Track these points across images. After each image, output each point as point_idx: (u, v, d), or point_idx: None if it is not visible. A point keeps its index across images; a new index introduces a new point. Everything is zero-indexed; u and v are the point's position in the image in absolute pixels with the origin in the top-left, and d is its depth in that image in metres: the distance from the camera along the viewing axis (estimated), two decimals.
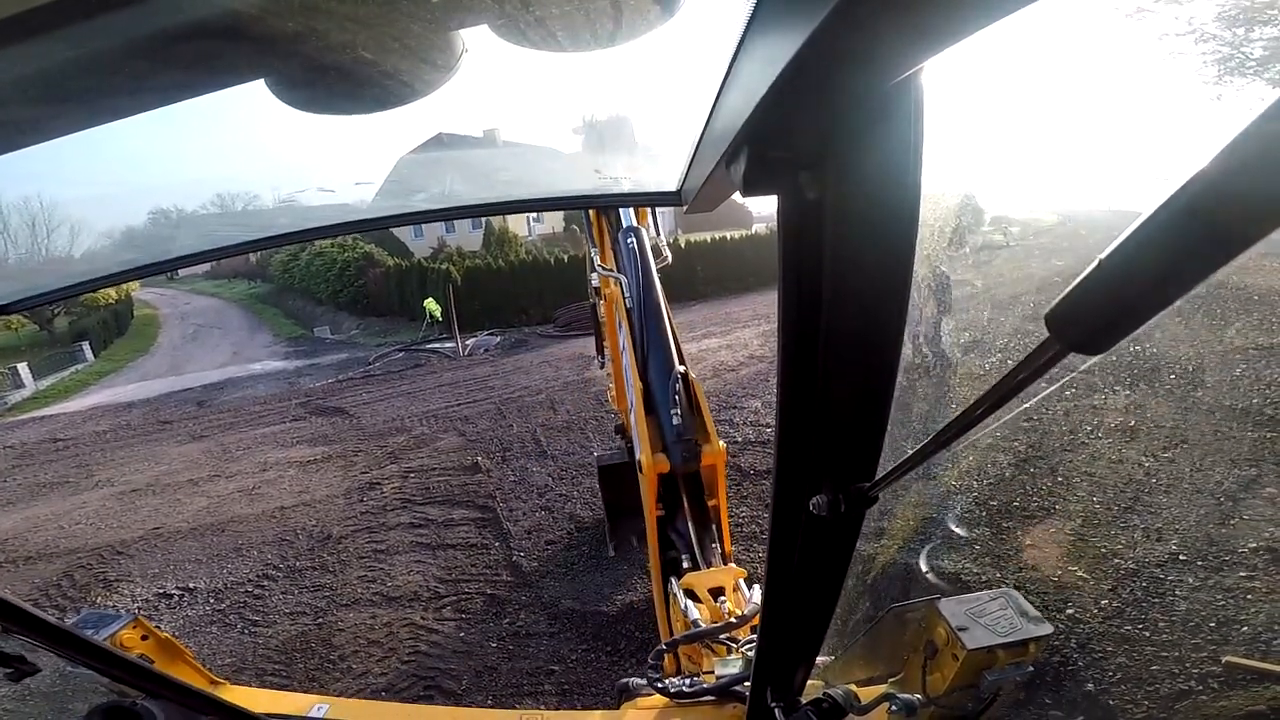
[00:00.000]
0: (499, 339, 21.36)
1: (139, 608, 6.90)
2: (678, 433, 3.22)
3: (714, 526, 3.28)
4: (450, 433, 11.12)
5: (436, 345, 21.69)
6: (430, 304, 24.13)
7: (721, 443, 3.28)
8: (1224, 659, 4.22)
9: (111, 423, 16.86)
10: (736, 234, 27.60)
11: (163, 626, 6.41)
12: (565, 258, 26.17)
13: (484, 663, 5.41)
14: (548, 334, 20.94)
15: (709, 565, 3.01)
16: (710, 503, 3.32)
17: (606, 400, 9.47)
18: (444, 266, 26.10)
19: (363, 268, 31.39)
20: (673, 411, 3.26)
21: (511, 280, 25.55)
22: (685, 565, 3.09)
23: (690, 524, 3.18)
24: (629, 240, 4.11)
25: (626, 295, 4.00)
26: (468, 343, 20.81)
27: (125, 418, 17.34)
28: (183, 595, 7.05)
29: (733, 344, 14.80)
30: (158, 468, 11.81)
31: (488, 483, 8.69)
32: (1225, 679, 4.16)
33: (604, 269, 4.67)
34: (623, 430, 6.37)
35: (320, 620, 6.28)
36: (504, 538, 7.23)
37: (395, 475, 9.42)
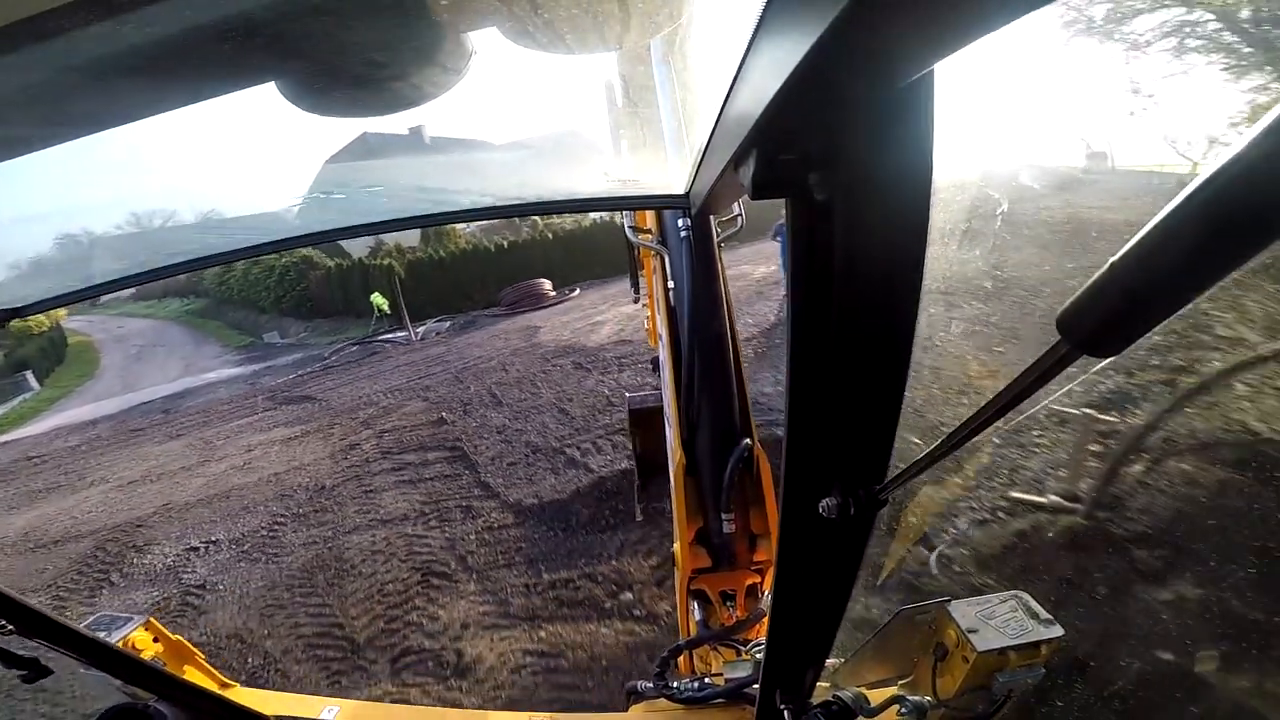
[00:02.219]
0: (449, 324, 22.60)
1: (173, 562, 8.17)
2: (728, 536, 2.59)
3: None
4: (415, 400, 12.53)
5: (388, 337, 22.73)
6: (377, 298, 25.04)
7: None
8: (1010, 494, 5.86)
9: (81, 438, 17.53)
10: None
11: (198, 571, 7.79)
12: (505, 244, 27.36)
13: (465, 550, 6.98)
14: (495, 314, 22.26)
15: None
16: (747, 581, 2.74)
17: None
18: (386, 263, 26.98)
19: (303, 272, 31.86)
20: (725, 517, 2.56)
21: (455, 269, 26.65)
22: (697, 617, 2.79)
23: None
24: (683, 230, 2.86)
25: (670, 285, 2.99)
26: (418, 330, 21.99)
27: (93, 432, 18.01)
28: (208, 547, 8.36)
29: None
30: (145, 464, 12.84)
31: (453, 432, 10.19)
32: (1011, 510, 5.86)
33: (637, 233, 3.45)
34: (658, 365, 4.98)
35: (330, 545, 7.71)
36: (473, 467, 8.77)
37: (371, 437, 10.83)
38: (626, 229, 3.59)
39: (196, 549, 8.36)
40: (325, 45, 0.97)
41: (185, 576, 7.73)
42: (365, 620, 6.25)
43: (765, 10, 0.55)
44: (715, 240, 2.91)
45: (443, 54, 1.09)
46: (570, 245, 26.89)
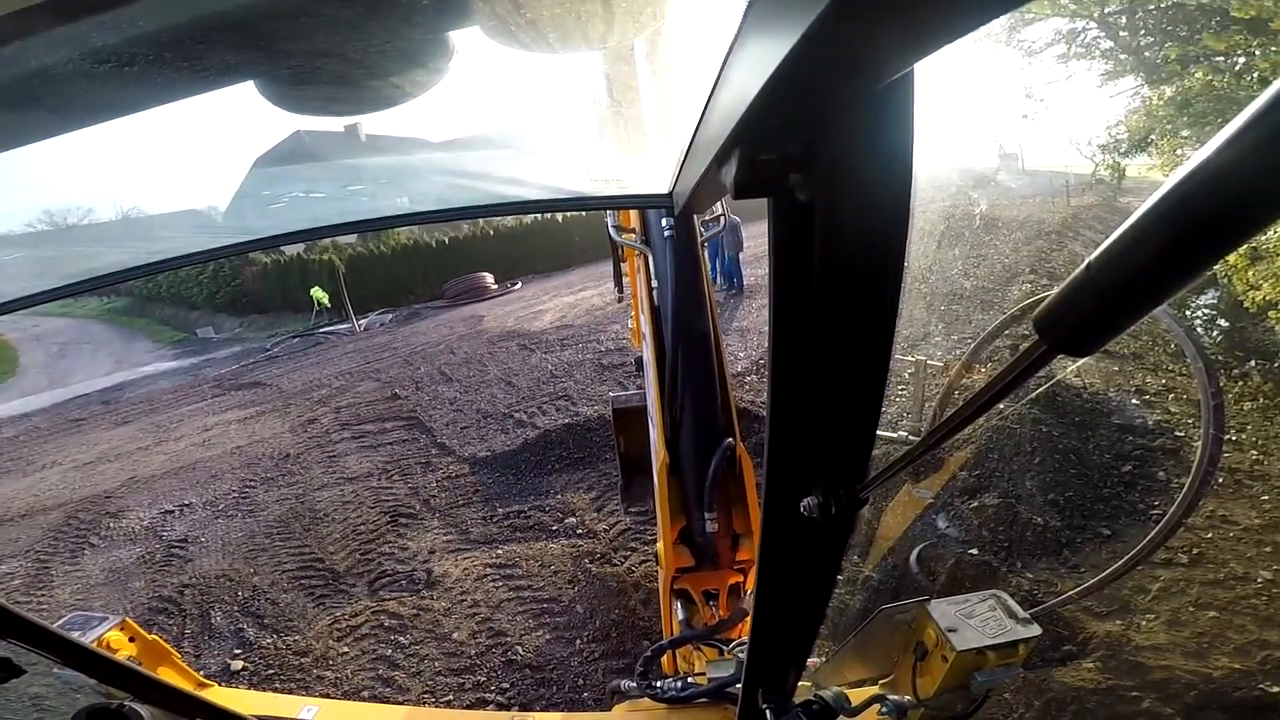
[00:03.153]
0: (392, 315, 23.18)
1: (150, 524, 8.81)
2: (711, 535, 2.64)
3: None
4: (367, 381, 13.34)
5: (331, 329, 23.12)
6: (317, 292, 25.24)
7: None
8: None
9: (16, 430, 17.34)
10: None
11: (177, 529, 8.52)
12: (445, 239, 28.00)
13: (427, 494, 8.03)
14: (438, 306, 22.98)
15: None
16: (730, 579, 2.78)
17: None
18: (326, 257, 27.19)
19: (238, 267, 31.57)
20: (709, 516, 2.61)
21: (395, 264, 27.12)
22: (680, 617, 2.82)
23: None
24: (666, 229, 2.94)
25: (655, 284, 3.09)
26: (361, 322, 22.51)
27: (28, 424, 17.80)
28: (182, 510, 9.05)
29: (603, 292, 17.44)
30: (98, 447, 13.16)
31: (408, 405, 11.12)
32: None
33: (620, 233, 3.54)
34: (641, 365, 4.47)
35: (302, 501, 8.57)
36: (429, 432, 9.78)
37: (328, 412, 11.63)
38: (610, 228, 3.66)
39: (171, 511, 9.06)
40: (305, 44, 0.97)
41: (165, 534, 8.44)
42: (342, 555, 7.21)
43: (748, 10, 0.56)
44: (699, 240, 3.00)
45: (425, 53, 1.09)
46: (511, 241, 27.74)
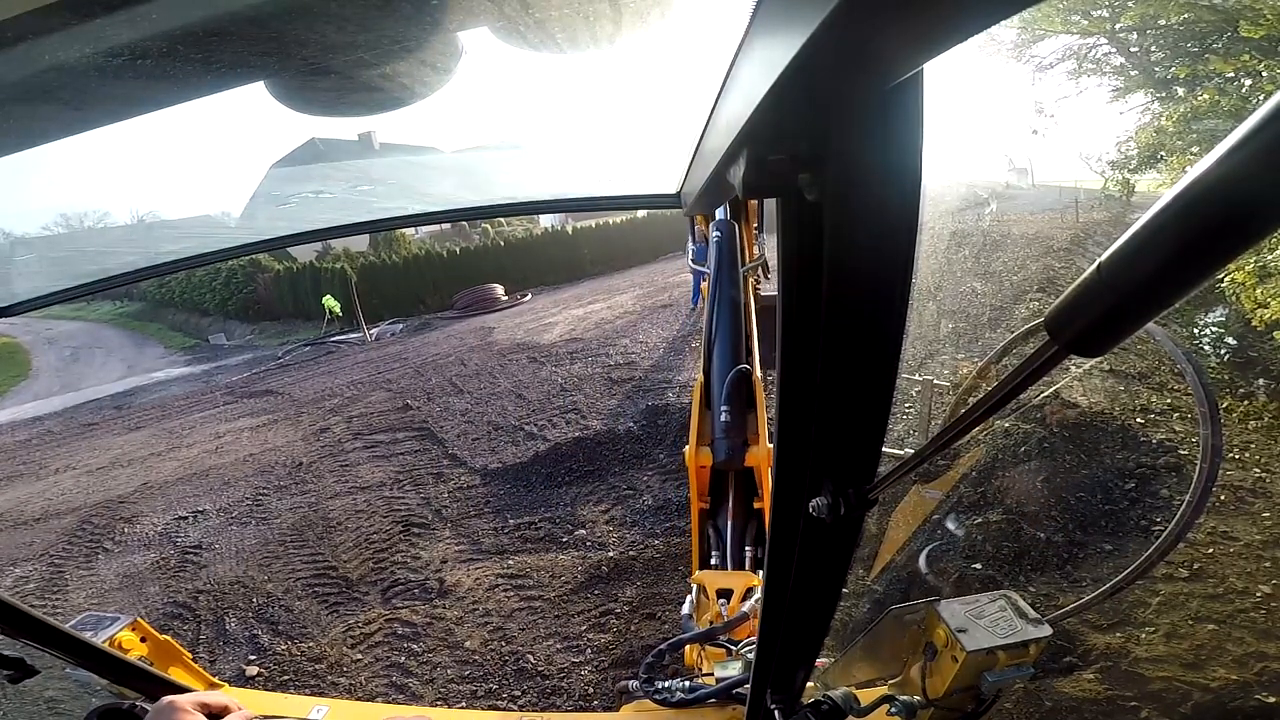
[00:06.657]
0: (402, 325, 23.41)
1: (164, 530, 8.96)
2: (724, 429, 3.26)
3: (756, 526, 3.29)
4: (378, 391, 13.47)
5: (342, 337, 23.37)
6: (329, 301, 25.55)
7: (771, 445, 2.98)
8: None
9: (29, 433, 17.59)
10: (620, 219, 30.57)
11: (191, 535, 8.66)
12: (456, 250, 28.26)
13: (439, 505, 8.13)
14: (449, 317, 23.17)
15: (740, 567, 3.09)
16: (755, 505, 3.33)
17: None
18: (339, 266, 27.49)
19: (251, 275, 31.90)
20: (722, 409, 3.29)
21: (406, 274, 27.40)
22: (714, 562, 3.22)
23: (730, 521, 3.28)
24: (715, 233, 4.20)
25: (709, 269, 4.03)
26: (373, 331, 22.73)
27: (41, 427, 18.05)
28: (196, 516, 9.20)
29: (612, 306, 17.72)
30: (110, 452, 13.35)
31: (419, 415, 11.25)
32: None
33: (693, 263, 5.06)
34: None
35: (315, 509, 8.70)
36: (440, 443, 9.89)
37: (340, 422, 11.77)
38: (693, 225, 5.57)
39: (185, 518, 9.20)
40: (314, 44, 0.98)
41: (179, 540, 8.58)
42: (355, 563, 7.32)
43: (756, 9, 0.56)
44: (736, 241, 4.25)
45: (433, 53, 1.10)
46: (521, 252, 27.99)
